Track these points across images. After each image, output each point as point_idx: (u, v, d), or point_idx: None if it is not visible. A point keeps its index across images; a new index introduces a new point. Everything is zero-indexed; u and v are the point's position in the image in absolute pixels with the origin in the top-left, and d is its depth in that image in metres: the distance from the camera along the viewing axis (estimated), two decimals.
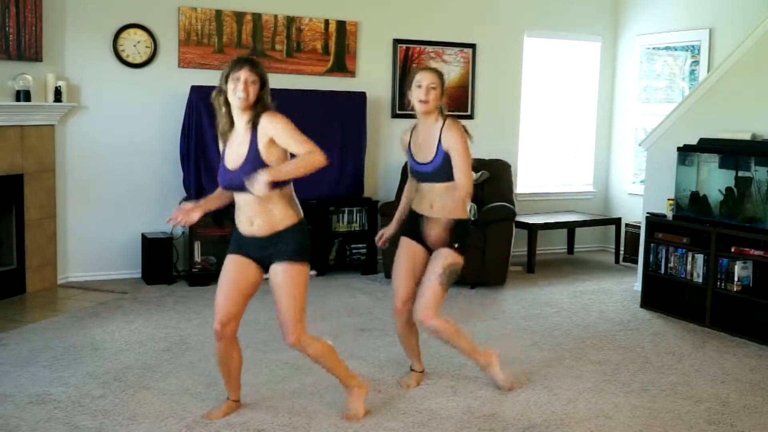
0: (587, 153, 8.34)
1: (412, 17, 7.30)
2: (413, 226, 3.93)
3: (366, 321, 5.34)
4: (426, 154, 3.82)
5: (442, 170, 3.78)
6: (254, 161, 3.28)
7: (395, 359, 4.50)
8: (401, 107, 7.24)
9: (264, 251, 3.40)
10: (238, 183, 3.31)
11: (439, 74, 3.84)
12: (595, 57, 8.18)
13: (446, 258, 3.80)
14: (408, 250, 3.94)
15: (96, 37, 6.20)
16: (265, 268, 3.46)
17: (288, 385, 4.08)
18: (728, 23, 6.96)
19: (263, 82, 3.34)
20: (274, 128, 3.30)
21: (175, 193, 6.42)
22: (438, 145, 3.77)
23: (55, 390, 3.92)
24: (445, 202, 3.79)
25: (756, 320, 5.41)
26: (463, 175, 3.75)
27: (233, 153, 3.37)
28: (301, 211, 3.46)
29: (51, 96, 5.88)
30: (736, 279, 5.24)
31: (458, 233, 3.81)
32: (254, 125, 3.31)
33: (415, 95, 3.81)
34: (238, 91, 3.28)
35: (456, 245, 3.82)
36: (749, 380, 4.37)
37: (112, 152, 6.34)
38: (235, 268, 3.45)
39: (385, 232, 4.09)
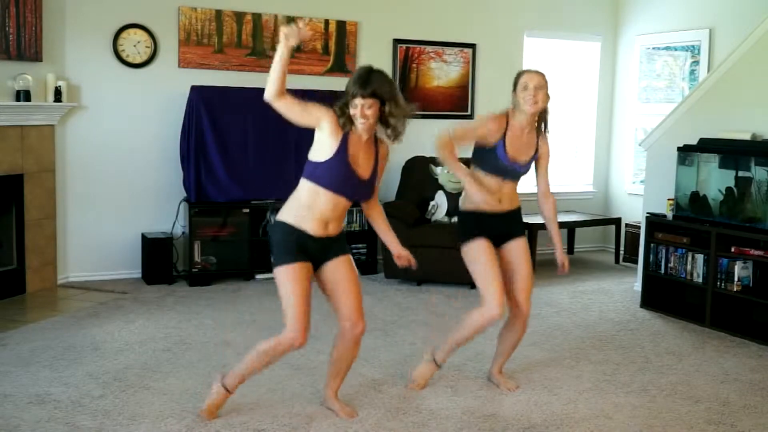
0: (587, 153, 8.34)
1: (412, 17, 7.30)
2: (480, 223, 3.92)
3: (366, 321, 5.31)
4: (522, 155, 3.91)
5: (525, 172, 4.01)
6: (375, 176, 3.52)
7: (395, 359, 4.50)
8: None
9: (327, 249, 3.51)
10: (365, 192, 3.51)
11: (544, 76, 3.91)
12: (595, 57, 8.18)
13: (528, 248, 4.09)
14: (489, 250, 3.91)
15: (96, 37, 6.20)
16: (315, 267, 3.52)
17: (288, 385, 4.08)
18: (728, 23, 6.96)
19: (382, 101, 3.39)
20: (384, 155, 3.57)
21: (175, 193, 6.43)
22: (535, 151, 3.96)
23: (55, 390, 3.92)
24: (513, 198, 4.02)
25: (756, 320, 5.41)
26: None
27: (362, 160, 3.43)
28: None
29: (51, 96, 5.88)
30: (736, 279, 5.24)
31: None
32: (376, 142, 3.49)
33: (523, 97, 3.84)
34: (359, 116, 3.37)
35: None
36: (749, 380, 4.37)
37: (112, 152, 6.34)
38: (306, 277, 3.47)
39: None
